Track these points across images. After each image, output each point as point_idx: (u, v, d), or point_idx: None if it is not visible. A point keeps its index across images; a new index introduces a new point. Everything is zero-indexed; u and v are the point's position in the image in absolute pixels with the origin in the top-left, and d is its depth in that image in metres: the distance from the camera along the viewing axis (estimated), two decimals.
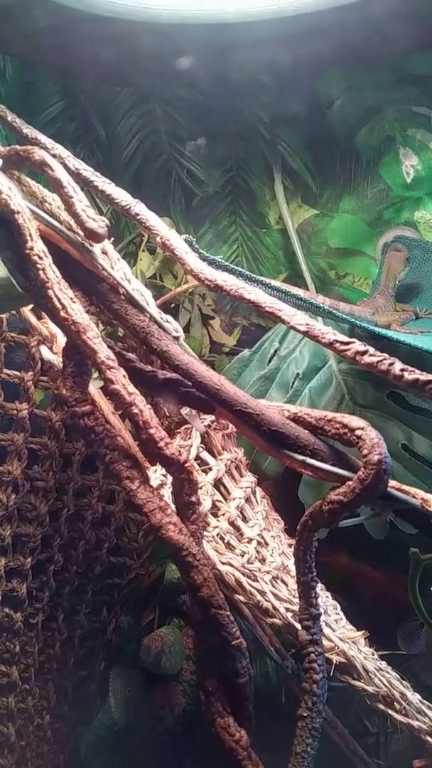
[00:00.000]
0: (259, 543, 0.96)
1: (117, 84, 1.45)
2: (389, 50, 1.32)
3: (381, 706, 0.80)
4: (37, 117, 1.41)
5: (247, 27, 1.17)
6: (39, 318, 0.91)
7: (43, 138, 0.76)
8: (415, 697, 0.85)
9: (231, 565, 0.83)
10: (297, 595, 0.66)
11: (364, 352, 0.59)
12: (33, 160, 0.67)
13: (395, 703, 0.81)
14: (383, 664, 0.93)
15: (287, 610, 0.81)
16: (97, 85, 1.44)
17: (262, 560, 0.94)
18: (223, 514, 0.96)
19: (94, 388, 0.74)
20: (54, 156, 0.71)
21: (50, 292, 0.60)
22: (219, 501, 0.98)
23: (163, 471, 0.86)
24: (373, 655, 0.96)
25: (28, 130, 0.78)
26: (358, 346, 0.60)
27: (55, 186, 0.66)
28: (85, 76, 1.41)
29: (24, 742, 1.08)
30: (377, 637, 1.03)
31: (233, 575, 0.81)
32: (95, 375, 0.64)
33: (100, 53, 1.21)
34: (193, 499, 0.61)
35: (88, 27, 1.14)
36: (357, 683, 0.80)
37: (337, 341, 0.61)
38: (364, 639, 0.97)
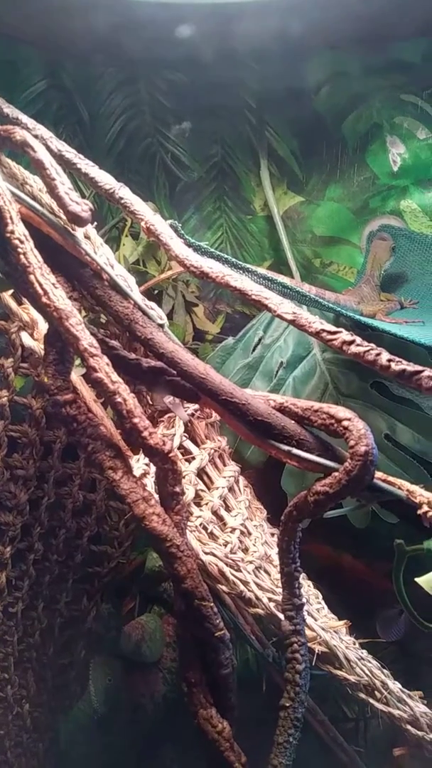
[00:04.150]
0: (242, 533, 0.96)
1: (101, 64, 1.42)
2: (379, 35, 1.31)
3: (362, 695, 0.81)
4: (18, 96, 1.37)
5: (236, 9, 1.15)
6: (19, 303, 0.89)
7: (24, 118, 0.74)
8: (395, 686, 0.85)
9: (214, 555, 0.83)
10: (280, 585, 0.66)
11: (351, 342, 0.59)
12: (14, 140, 0.65)
13: (376, 692, 0.81)
14: (364, 653, 0.93)
15: (270, 600, 0.81)
16: (81, 64, 1.41)
17: (245, 550, 0.93)
18: (206, 504, 0.96)
19: (76, 375, 0.73)
20: (36, 137, 0.69)
21: (31, 276, 0.58)
22: (202, 490, 0.98)
23: (146, 460, 0.85)
24: (354, 644, 0.96)
25: (9, 110, 0.75)
26: (345, 335, 0.59)
27: (37, 167, 0.64)
28: (69, 55, 1.38)
29: (3, 731, 1.08)
30: (358, 625, 1.04)
31: (216, 565, 0.81)
32: (77, 362, 0.63)
33: (85, 32, 1.19)
34: (177, 489, 0.60)
35: (76, 4, 1.12)
36: (339, 672, 0.81)
37: (324, 330, 0.60)
38: (346, 628, 0.98)
